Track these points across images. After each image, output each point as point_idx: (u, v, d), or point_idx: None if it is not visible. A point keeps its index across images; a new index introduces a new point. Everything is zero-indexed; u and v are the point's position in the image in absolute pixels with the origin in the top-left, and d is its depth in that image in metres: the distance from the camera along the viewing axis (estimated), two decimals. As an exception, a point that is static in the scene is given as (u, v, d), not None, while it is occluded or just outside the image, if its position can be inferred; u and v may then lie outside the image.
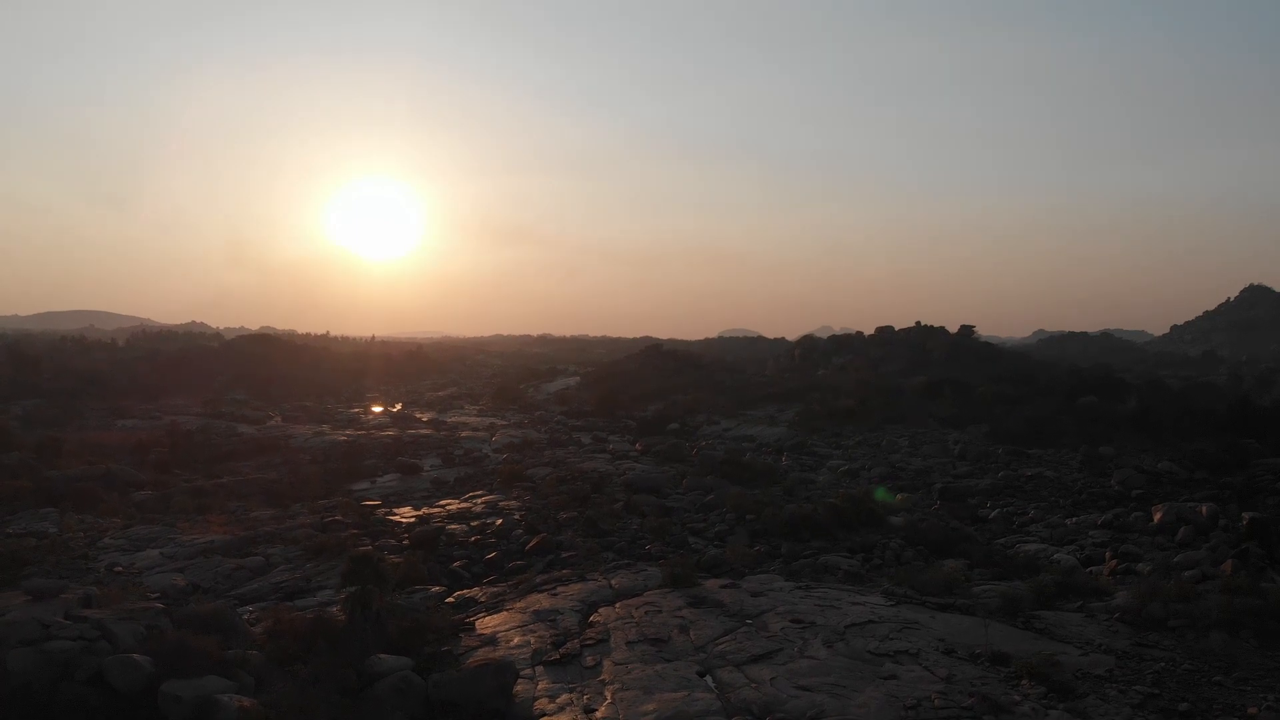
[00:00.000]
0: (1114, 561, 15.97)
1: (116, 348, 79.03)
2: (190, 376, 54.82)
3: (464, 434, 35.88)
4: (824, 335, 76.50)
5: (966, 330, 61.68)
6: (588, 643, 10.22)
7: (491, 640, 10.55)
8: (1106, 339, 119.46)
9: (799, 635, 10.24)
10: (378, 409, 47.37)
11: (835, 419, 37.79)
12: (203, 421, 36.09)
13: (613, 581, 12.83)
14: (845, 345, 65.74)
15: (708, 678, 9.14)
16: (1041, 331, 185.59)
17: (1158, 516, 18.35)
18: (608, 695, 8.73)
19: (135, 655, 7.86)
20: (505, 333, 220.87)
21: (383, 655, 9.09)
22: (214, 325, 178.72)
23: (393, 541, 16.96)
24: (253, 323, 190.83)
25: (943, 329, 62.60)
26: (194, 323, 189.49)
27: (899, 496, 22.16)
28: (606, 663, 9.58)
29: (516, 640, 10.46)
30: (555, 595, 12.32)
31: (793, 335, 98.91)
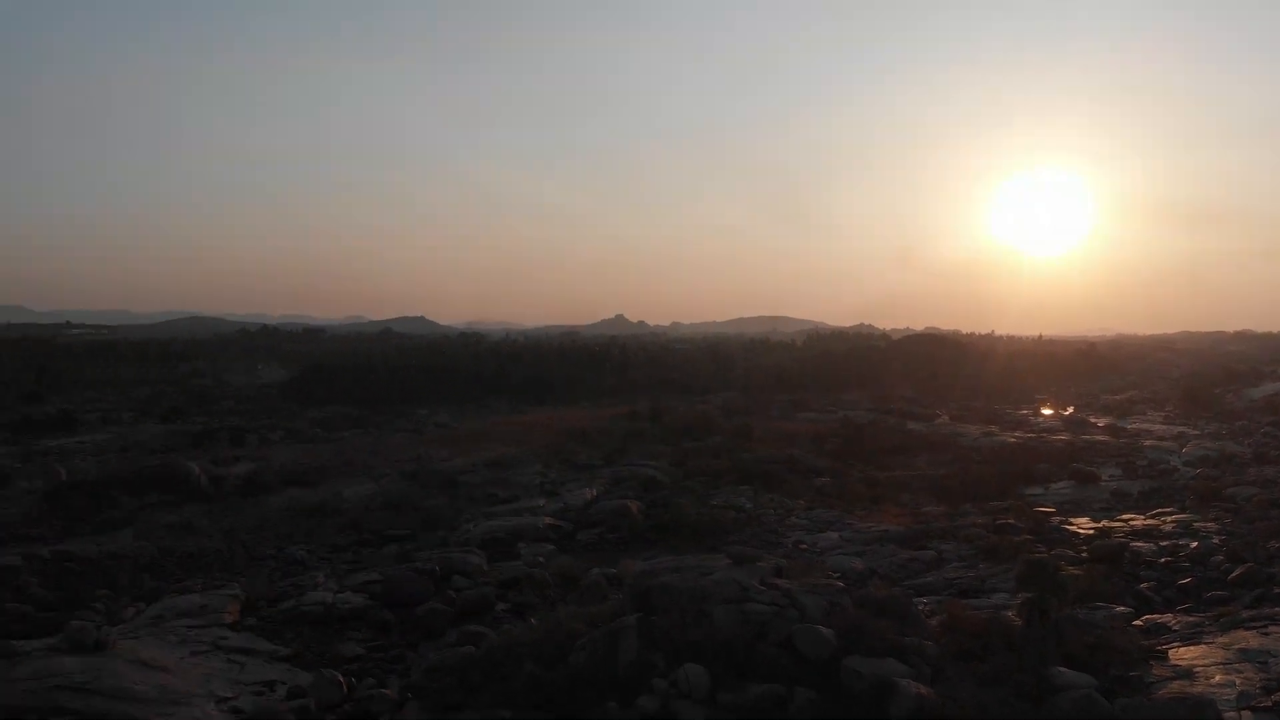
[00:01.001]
0: None
1: (795, 348, 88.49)
2: (859, 374, 58.74)
3: (1147, 443, 32.24)
4: None
5: None
6: (1318, 698, 8.23)
7: (1187, 674, 9.29)
8: None
9: None
10: (1047, 411, 45.15)
11: None
12: (872, 416, 38.16)
13: (1357, 632, 10.22)
14: None
15: None
16: None
17: None
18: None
19: (820, 627, 8.36)
20: (1192, 329, 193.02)
21: (1063, 668, 8.45)
22: (880, 326, 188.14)
23: (1069, 552, 15.79)
24: (917, 323, 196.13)
25: None
26: (861, 324, 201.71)
27: None
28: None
29: (1218, 678, 9.05)
30: (1266, 635, 10.46)
31: None
